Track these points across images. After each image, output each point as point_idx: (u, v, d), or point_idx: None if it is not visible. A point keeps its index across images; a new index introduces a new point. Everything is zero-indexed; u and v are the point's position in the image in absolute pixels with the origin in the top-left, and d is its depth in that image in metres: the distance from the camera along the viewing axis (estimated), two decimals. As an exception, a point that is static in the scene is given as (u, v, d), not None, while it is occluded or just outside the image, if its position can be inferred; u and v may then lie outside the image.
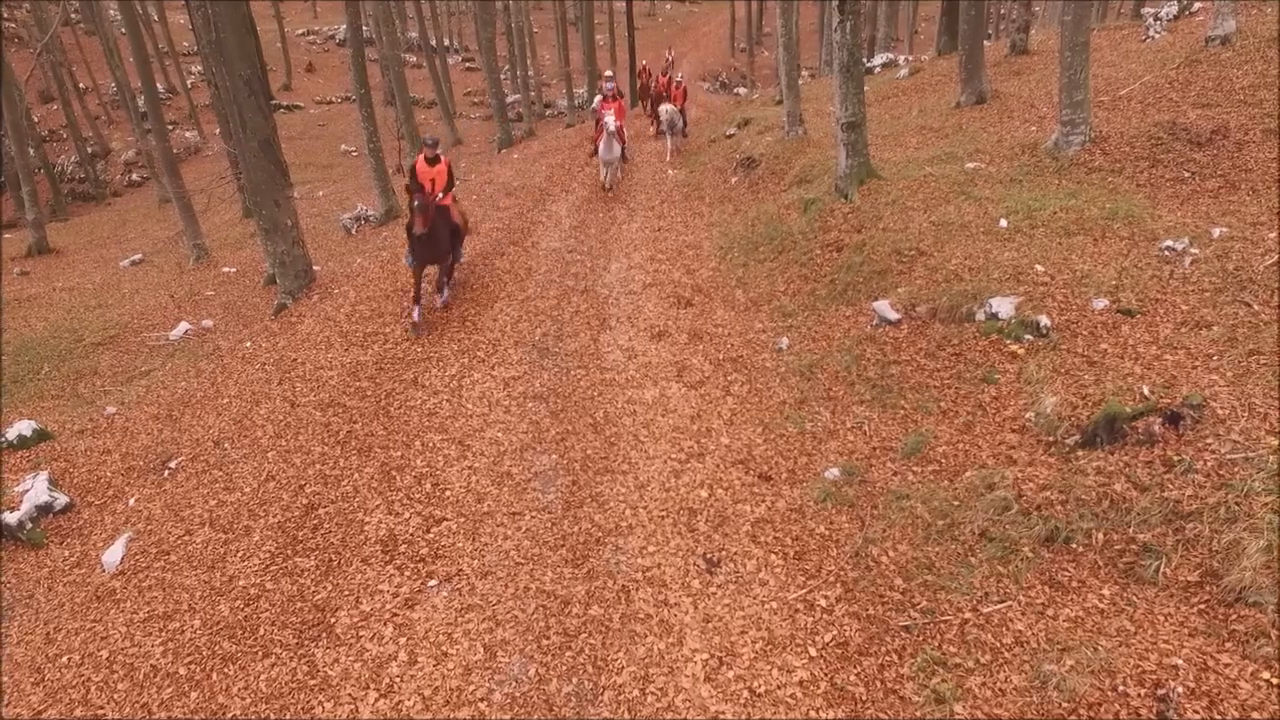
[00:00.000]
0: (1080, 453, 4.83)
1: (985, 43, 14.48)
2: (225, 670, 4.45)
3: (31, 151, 28.23)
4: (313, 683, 4.32)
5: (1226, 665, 3.47)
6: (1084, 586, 4.14)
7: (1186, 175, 8.45)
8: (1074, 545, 4.33)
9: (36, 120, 31.87)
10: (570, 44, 36.72)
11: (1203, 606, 3.80)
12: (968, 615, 4.20)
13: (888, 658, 4.14)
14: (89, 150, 31.24)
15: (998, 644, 3.97)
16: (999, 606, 4.19)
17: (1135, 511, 4.27)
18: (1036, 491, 4.69)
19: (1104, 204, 7.88)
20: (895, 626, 4.30)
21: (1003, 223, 7.90)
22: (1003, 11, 29.91)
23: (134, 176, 31.36)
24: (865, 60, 18.83)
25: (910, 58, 24.12)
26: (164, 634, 4.83)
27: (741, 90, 35.28)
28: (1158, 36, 14.45)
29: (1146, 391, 4.87)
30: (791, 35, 14.62)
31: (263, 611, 4.85)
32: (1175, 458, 4.40)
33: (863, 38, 10.50)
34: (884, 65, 22.05)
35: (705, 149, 17.80)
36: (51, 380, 11.05)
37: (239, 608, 4.94)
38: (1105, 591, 4.06)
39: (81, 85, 34.82)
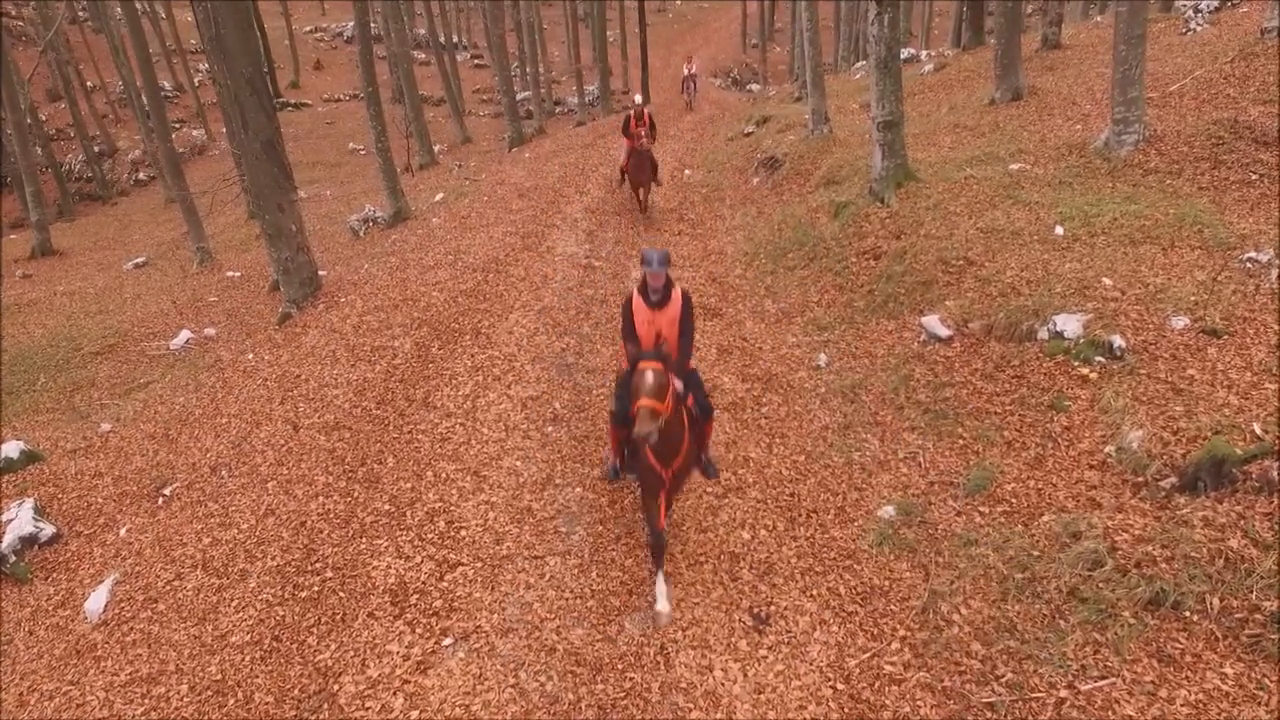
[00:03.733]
0: (1180, 499, 4.26)
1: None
2: (214, 749, 3.95)
3: (39, 151, 27.90)
4: (313, 764, 3.81)
5: (1400, 778, 2.91)
6: (1200, 662, 3.58)
7: (1254, 177, 7.84)
8: (1184, 611, 3.77)
9: (44, 119, 31.51)
10: (580, 40, 36.16)
11: (1353, 695, 3.24)
12: (1063, 693, 3.65)
13: (973, 743, 3.59)
14: (96, 149, 30.85)
15: (1105, 733, 3.42)
16: (1100, 684, 3.63)
17: (1257, 574, 3.70)
18: (1133, 544, 4.12)
19: (1167, 209, 7.28)
20: (978, 704, 3.75)
21: (1059, 230, 7.32)
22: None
23: (140, 176, 30.94)
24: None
25: (931, 52, 23.49)
26: (147, 701, 4.32)
27: (754, 87, 34.68)
28: (1200, 29, 13.78)
29: (1259, 430, 4.29)
30: (815, 29, 14.02)
31: (257, 676, 4.33)
32: (1301, 511, 3.84)
33: (900, 32, 9.87)
34: (905, 60, 21.36)
35: (723, 147, 17.21)
36: (47, 392, 10.61)
37: (231, 670, 4.42)
38: (1228, 670, 3.50)
39: (89, 84, 34.46)
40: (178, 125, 33.19)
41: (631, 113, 11.91)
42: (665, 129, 20.17)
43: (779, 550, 5.00)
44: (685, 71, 25.94)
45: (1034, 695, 3.69)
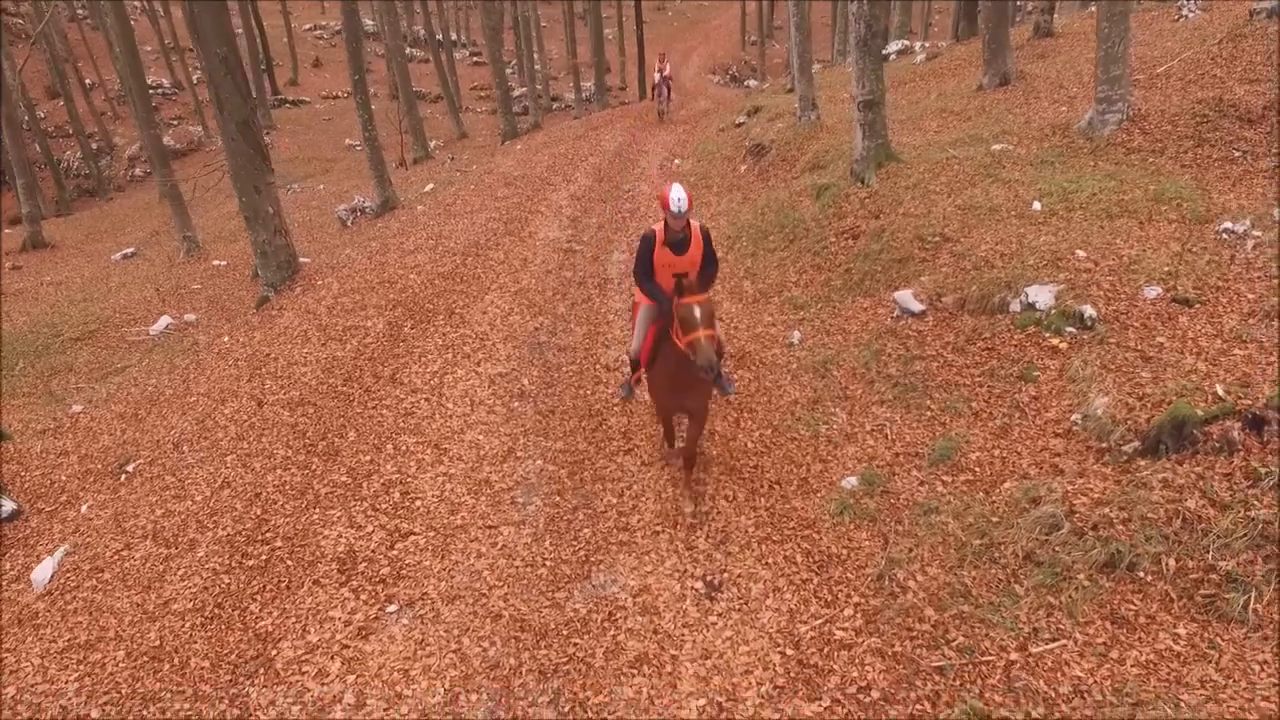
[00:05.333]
0: (1141, 462, 4.14)
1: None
2: (144, 713, 3.84)
3: (38, 147, 27.94)
4: (244, 729, 3.72)
5: (1349, 733, 2.79)
6: (1154, 624, 3.46)
7: (1237, 155, 7.71)
8: (1139, 573, 3.65)
9: (43, 116, 31.54)
10: (578, 38, 36.12)
11: (1307, 653, 3.13)
12: (1014, 656, 3.54)
13: (919, 706, 3.48)
14: (94, 146, 30.89)
15: (1053, 693, 3.31)
16: (1051, 646, 3.52)
17: (1214, 534, 3.58)
18: (1091, 507, 4.01)
19: (1147, 185, 7.16)
20: (927, 667, 3.64)
21: (1036, 205, 7.21)
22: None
23: (137, 171, 30.94)
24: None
25: (926, 44, 23.35)
26: (82, 668, 4.23)
27: (752, 83, 34.62)
28: (1193, 16, 13.64)
29: (1221, 391, 4.17)
30: (804, 15, 13.92)
31: (196, 642, 4.24)
32: (1261, 469, 3.71)
33: (882, 12, 9.79)
34: (899, 52, 21.28)
35: (714, 138, 17.12)
36: (25, 377, 10.55)
37: (170, 636, 4.33)
38: (1181, 630, 3.39)
39: (88, 81, 34.50)
40: (176, 122, 33.20)
41: (658, 229, 4.88)
42: (657, 125, 20.08)
43: (737, 520, 4.89)
44: (657, 75, 19.82)
45: (984, 659, 3.58)
